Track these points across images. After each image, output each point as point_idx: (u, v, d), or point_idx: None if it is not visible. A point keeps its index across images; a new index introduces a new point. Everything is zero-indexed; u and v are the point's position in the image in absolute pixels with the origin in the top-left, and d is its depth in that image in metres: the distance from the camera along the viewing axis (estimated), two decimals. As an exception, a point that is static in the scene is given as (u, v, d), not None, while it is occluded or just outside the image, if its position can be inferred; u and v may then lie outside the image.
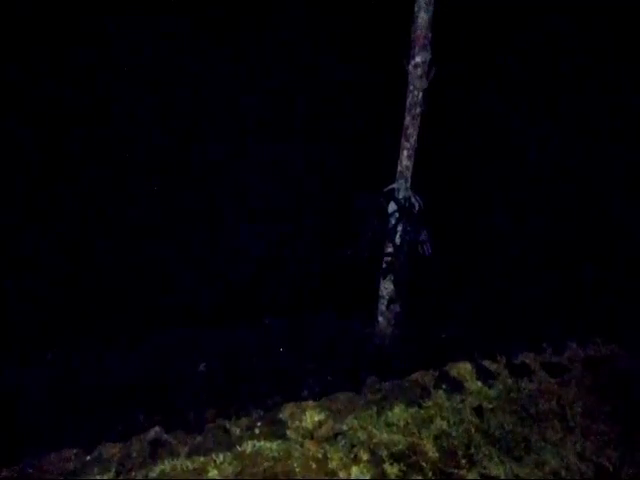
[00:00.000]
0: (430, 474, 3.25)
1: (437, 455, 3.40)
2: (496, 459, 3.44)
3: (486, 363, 4.38)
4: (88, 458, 3.27)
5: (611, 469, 3.45)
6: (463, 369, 4.28)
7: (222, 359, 4.90)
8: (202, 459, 3.21)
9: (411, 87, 4.70)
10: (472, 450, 3.48)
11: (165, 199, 5.86)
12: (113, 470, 3.18)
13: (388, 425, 3.60)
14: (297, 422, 3.54)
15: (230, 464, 3.16)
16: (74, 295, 5.46)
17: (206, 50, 5.68)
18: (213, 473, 3.09)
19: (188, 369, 4.76)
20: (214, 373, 4.70)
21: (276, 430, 3.43)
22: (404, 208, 4.83)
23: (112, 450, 3.31)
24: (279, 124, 6.16)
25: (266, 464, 3.16)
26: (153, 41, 5.47)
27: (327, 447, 3.32)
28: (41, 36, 5.04)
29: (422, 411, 3.77)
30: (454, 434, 3.60)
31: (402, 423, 3.62)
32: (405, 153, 4.83)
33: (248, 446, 3.28)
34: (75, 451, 3.37)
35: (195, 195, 6.02)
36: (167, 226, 5.87)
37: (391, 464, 3.26)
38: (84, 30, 5.16)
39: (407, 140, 4.80)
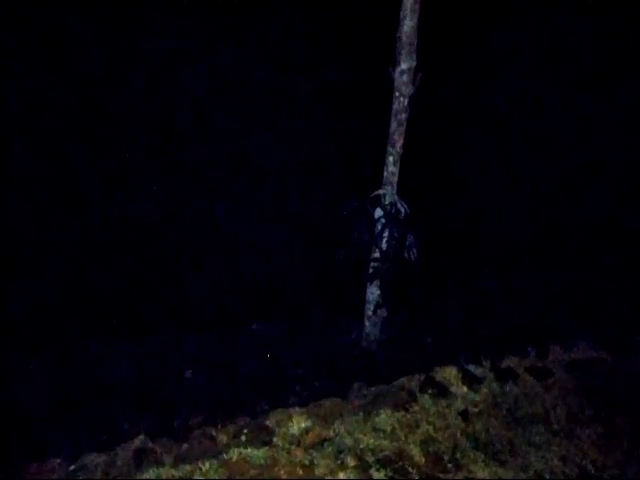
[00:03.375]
0: (417, 479, 3.26)
1: (423, 460, 3.42)
2: (481, 463, 3.46)
3: (471, 367, 4.42)
4: (72, 468, 3.23)
5: (594, 472, 3.50)
6: (449, 373, 4.31)
7: (208, 365, 4.87)
8: (188, 467, 3.18)
9: (397, 93, 4.73)
10: (458, 454, 3.51)
11: (151, 191, 5.74)
12: (97, 480, 3.14)
13: (375, 430, 3.60)
14: (284, 429, 3.53)
15: (216, 472, 3.14)
16: (56, 299, 5.37)
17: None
18: (199, 481, 3.07)
19: (173, 376, 4.72)
20: (200, 379, 4.67)
21: (263, 437, 3.42)
22: (390, 214, 4.86)
23: (96, 459, 3.27)
24: (264, 129, 6.14)
25: (253, 471, 3.14)
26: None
27: (314, 453, 3.32)
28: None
29: (408, 416, 3.79)
30: (440, 438, 3.62)
31: (389, 428, 3.63)
32: (391, 159, 4.86)
33: (234, 453, 3.26)
34: (58, 461, 3.32)
35: (186, 194, 5.93)
36: (156, 226, 5.79)
37: (378, 469, 3.27)
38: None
39: (393, 146, 4.83)
